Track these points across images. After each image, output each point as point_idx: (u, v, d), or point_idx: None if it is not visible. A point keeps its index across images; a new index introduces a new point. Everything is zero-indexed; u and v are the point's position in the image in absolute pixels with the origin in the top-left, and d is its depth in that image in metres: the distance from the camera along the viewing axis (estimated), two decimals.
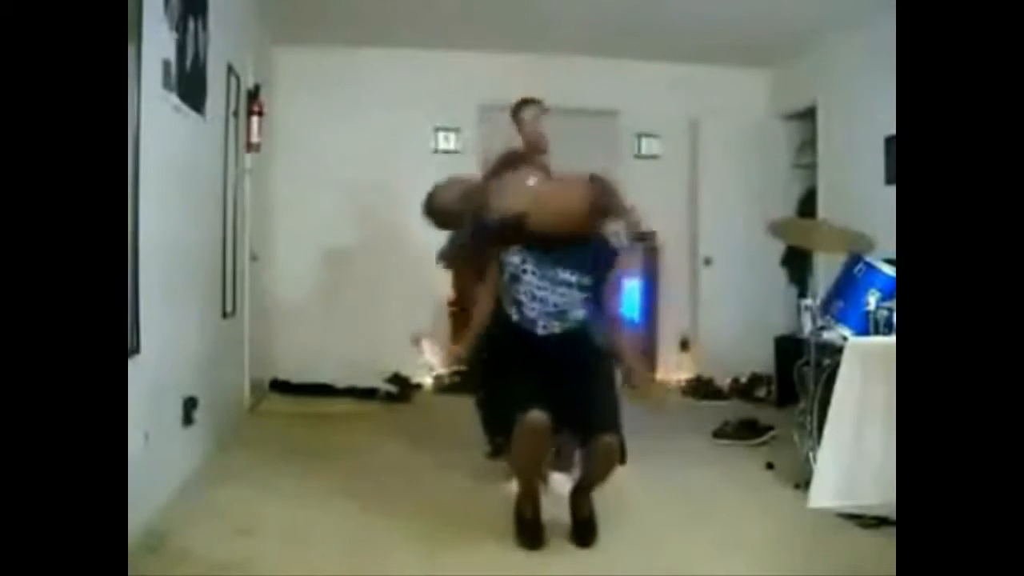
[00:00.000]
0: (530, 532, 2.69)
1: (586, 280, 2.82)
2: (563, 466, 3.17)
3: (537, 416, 2.57)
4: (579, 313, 2.85)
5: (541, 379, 2.69)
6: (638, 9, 4.80)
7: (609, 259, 2.88)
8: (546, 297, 2.81)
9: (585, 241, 2.85)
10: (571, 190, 2.87)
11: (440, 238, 3.74)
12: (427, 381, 5.60)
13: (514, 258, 2.83)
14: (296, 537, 2.70)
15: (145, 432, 2.64)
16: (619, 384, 2.98)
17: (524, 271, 2.81)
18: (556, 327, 2.82)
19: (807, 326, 3.51)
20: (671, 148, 6.07)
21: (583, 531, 2.72)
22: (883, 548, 2.55)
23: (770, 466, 3.57)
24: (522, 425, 2.57)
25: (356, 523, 2.84)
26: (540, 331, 2.81)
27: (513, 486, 2.83)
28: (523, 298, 2.81)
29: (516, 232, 2.86)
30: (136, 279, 2.58)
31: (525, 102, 3.71)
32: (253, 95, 4.50)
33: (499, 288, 2.88)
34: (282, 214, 5.52)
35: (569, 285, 2.81)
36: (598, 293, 2.85)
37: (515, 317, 2.83)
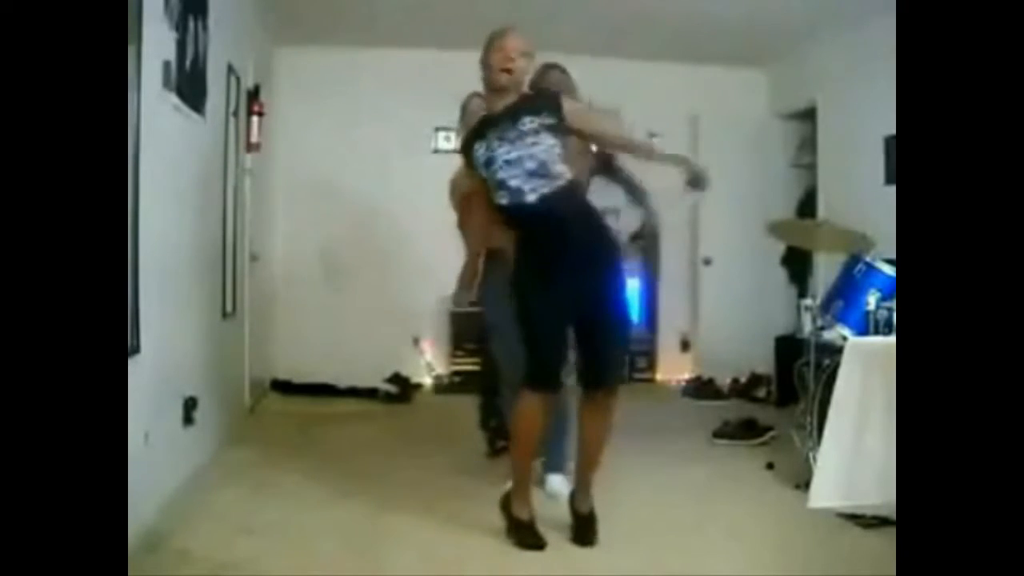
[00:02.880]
0: (531, 536, 2.67)
1: (549, 120, 2.61)
2: (558, 466, 3.18)
3: (541, 399, 2.62)
4: (560, 168, 2.60)
5: (559, 304, 2.59)
6: (638, 9, 4.80)
7: (555, 99, 2.70)
8: (519, 157, 2.58)
9: (529, 99, 2.73)
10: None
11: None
12: (427, 381, 5.62)
13: (480, 146, 2.64)
14: (296, 537, 2.70)
15: (145, 432, 2.64)
16: None
17: (492, 148, 2.61)
18: (544, 187, 2.56)
19: (807, 326, 3.51)
20: (671, 148, 5.97)
21: (584, 529, 2.71)
22: (883, 548, 2.55)
23: (770, 466, 3.57)
24: (529, 401, 2.62)
25: (356, 523, 2.84)
26: (530, 198, 2.56)
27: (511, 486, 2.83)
28: (503, 174, 2.59)
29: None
30: (136, 279, 2.58)
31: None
32: (253, 95, 4.50)
33: (489, 198, 2.67)
34: (282, 214, 5.52)
35: (535, 132, 2.58)
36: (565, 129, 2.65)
37: (505, 200, 2.61)
